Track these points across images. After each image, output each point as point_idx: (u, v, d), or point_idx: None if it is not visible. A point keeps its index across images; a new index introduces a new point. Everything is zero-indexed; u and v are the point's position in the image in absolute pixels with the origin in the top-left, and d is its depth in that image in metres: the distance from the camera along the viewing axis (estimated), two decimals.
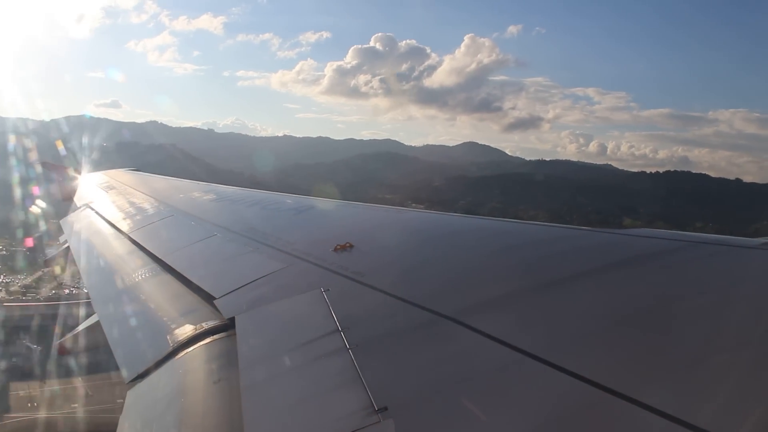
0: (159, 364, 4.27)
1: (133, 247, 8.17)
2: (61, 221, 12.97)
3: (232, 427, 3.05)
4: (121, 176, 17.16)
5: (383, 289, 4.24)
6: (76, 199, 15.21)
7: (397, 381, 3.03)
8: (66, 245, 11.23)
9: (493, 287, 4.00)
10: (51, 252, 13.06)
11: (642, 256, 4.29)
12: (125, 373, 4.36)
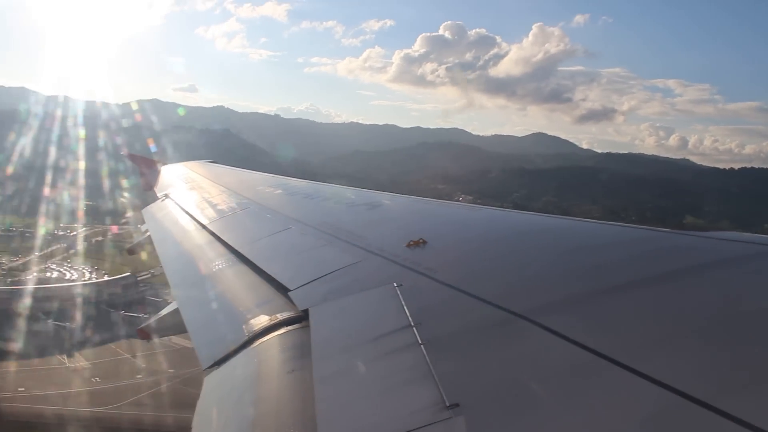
0: (235, 352, 4.39)
1: (211, 237, 8.37)
2: (143, 210, 13.36)
3: (305, 417, 3.10)
4: (200, 168, 17.57)
5: (456, 285, 4.23)
6: (157, 189, 15.65)
7: (468, 378, 3.03)
8: (147, 234, 11.57)
9: (567, 287, 3.94)
10: (134, 240, 13.48)
11: (723, 260, 4.15)
12: (202, 360, 4.49)
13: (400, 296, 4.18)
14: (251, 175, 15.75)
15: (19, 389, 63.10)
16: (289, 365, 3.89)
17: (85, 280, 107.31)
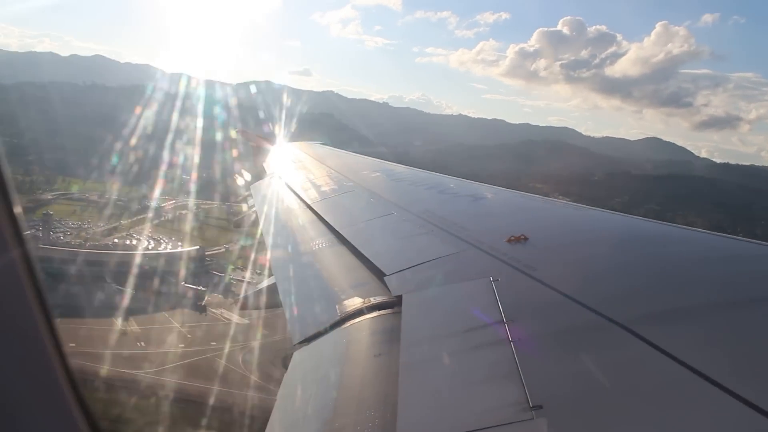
0: (325, 331, 4.44)
1: (314, 216, 8.52)
2: (251, 186, 13.73)
3: (387, 401, 3.10)
4: (309, 149, 17.90)
5: (554, 286, 4.11)
6: (266, 166, 16.06)
7: (555, 381, 2.95)
8: (254, 209, 11.89)
9: (669, 299, 3.76)
10: (241, 215, 13.88)
11: None
12: (294, 335, 4.57)
13: (495, 291, 4.11)
14: (358, 158, 15.91)
15: (70, 344, 67.34)
16: (376, 349, 3.91)
17: (155, 250, 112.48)
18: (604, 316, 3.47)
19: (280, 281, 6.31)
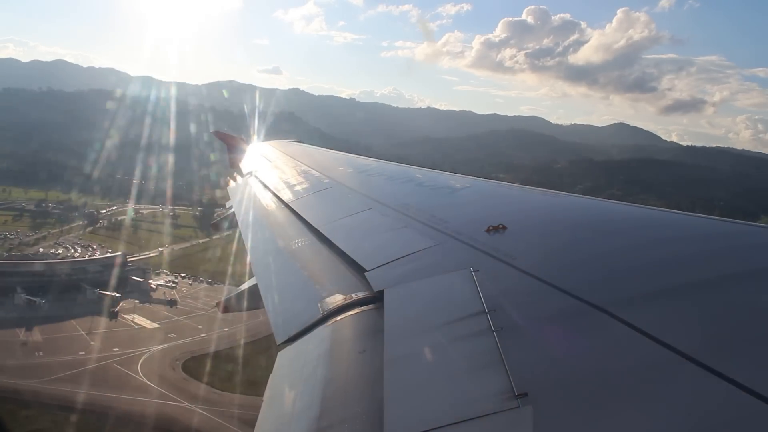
0: (308, 329, 4.43)
1: (292, 215, 8.49)
2: (228, 188, 13.67)
3: (374, 397, 3.10)
4: (285, 147, 17.82)
5: (534, 273, 4.13)
6: (242, 166, 15.99)
7: (539, 368, 2.98)
8: (231, 210, 11.83)
9: (650, 281, 3.79)
10: (217, 216, 13.81)
11: None
12: (277, 335, 4.55)
13: (476, 281, 4.12)
14: (335, 154, 15.89)
15: None
16: (360, 345, 3.91)
17: (76, 258, 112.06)
18: (586, 301, 3.49)
19: (261, 281, 6.29)
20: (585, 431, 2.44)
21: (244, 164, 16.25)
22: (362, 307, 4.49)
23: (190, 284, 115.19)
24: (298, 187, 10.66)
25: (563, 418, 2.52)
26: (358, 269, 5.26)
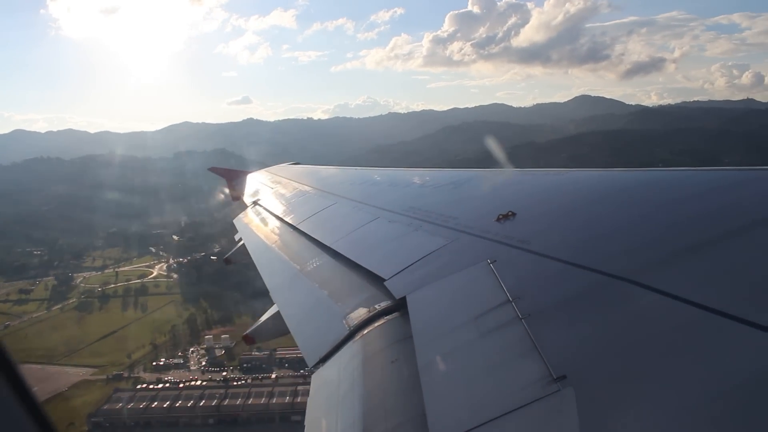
0: (338, 347, 4.42)
1: (302, 237, 8.49)
2: (234, 220, 13.66)
3: (413, 405, 3.09)
4: (283, 171, 17.86)
5: (551, 255, 4.13)
6: (245, 197, 16.01)
7: (573, 348, 2.96)
8: (241, 243, 11.83)
9: (667, 243, 3.75)
10: (230, 251, 13.81)
11: None
12: (308, 359, 4.55)
13: (496, 272, 4.11)
14: (333, 170, 15.90)
15: None
16: (392, 354, 3.90)
17: None
18: (606, 273, 3.48)
19: (283, 308, 6.29)
20: (628, 404, 2.42)
21: (246, 195, 16.28)
22: (387, 317, 4.49)
23: None
24: (303, 208, 10.67)
25: (605, 395, 2.51)
26: (377, 280, 5.25)
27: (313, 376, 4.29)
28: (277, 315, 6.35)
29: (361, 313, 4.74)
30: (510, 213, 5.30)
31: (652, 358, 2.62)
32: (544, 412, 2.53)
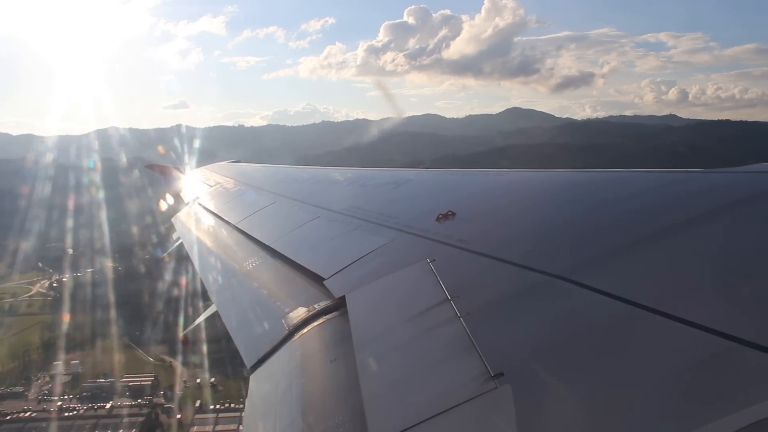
0: (276, 348, 4.38)
1: (242, 236, 8.39)
2: (172, 219, 13.44)
3: (352, 404, 3.08)
4: (223, 169, 17.62)
5: (489, 253, 4.17)
6: (183, 195, 15.75)
7: (511, 345, 3.00)
8: (179, 241, 11.64)
9: (605, 242, 3.85)
10: (167, 249, 13.57)
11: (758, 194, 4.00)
12: (246, 359, 4.49)
13: (435, 271, 4.13)
14: (273, 169, 15.79)
15: None
16: (331, 354, 3.88)
17: None
18: (543, 272, 3.53)
19: (221, 308, 6.20)
20: (563, 399, 2.47)
21: (184, 193, 16.02)
22: (327, 316, 4.46)
23: None
24: (243, 207, 10.55)
25: (541, 391, 2.55)
26: (316, 279, 5.22)
27: (251, 377, 4.24)
28: (215, 315, 6.26)
29: (300, 313, 4.71)
30: (450, 213, 5.34)
31: (586, 354, 2.68)
32: (481, 409, 2.55)
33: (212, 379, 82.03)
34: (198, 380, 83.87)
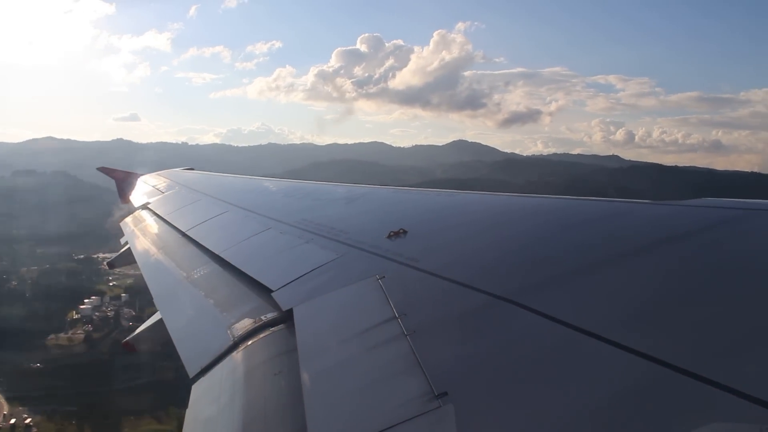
0: (220, 358, 4.32)
1: (191, 244, 8.29)
2: (120, 223, 13.21)
3: (295, 418, 3.06)
4: (177, 176, 17.42)
5: (439, 273, 4.20)
6: (133, 200, 15.52)
7: (455, 366, 3.01)
8: (127, 246, 11.45)
9: (550, 266, 3.92)
10: (114, 254, 13.33)
11: (702, 227, 4.13)
12: (189, 369, 4.42)
13: (384, 288, 4.14)
14: (228, 179, 15.67)
15: None
16: (275, 366, 3.85)
17: None
18: (490, 293, 3.57)
19: (166, 315, 6.10)
20: (505, 419, 2.48)
21: (135, 197, 15.78)
22: (273, 328, 4.43)
23: None
24: (194, 215, 10.43)
25: (484, 411, 2.56)
26: (264, 291, 5.18)
27: (192, 387, 4.17)
28: (160, 323, 6.16)
29: (246, 324, 4.66)
30: (401, 230, 5.37)
31: (528, 375, 2.71)
32: (424, 428, 2.55)
33: (28, 420, 67.53)
34: (13, 420, 67.75)
